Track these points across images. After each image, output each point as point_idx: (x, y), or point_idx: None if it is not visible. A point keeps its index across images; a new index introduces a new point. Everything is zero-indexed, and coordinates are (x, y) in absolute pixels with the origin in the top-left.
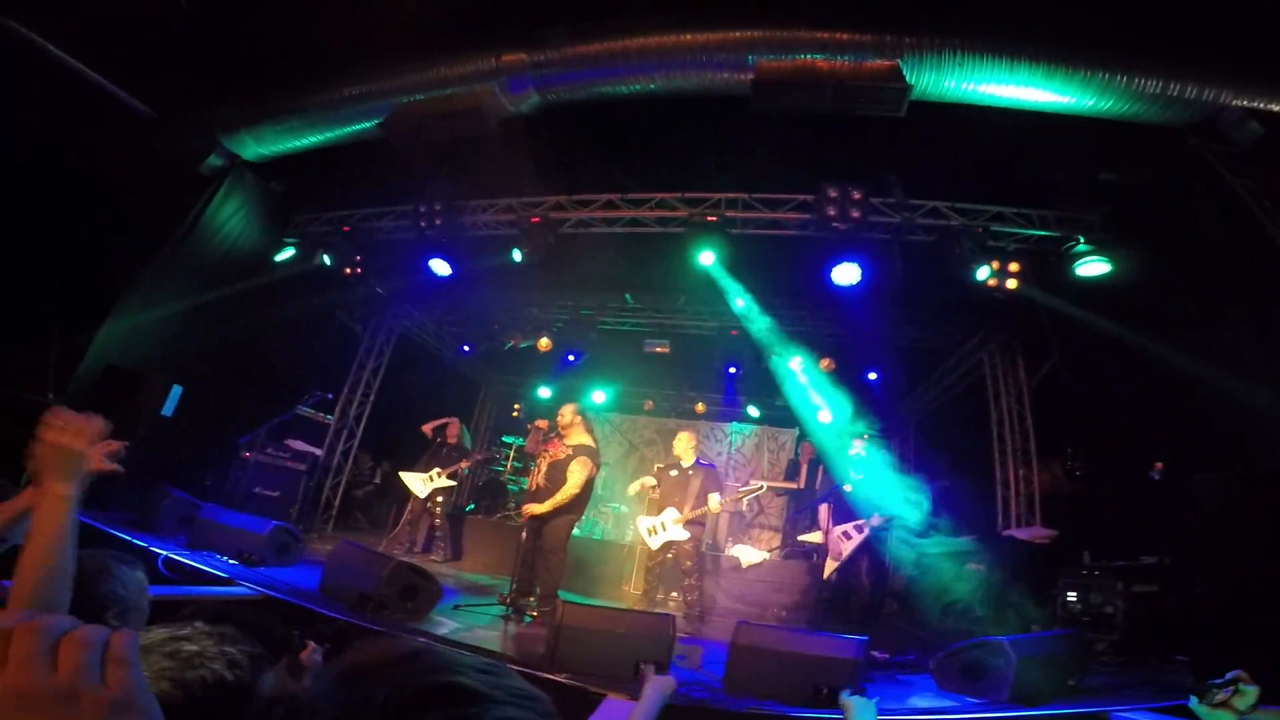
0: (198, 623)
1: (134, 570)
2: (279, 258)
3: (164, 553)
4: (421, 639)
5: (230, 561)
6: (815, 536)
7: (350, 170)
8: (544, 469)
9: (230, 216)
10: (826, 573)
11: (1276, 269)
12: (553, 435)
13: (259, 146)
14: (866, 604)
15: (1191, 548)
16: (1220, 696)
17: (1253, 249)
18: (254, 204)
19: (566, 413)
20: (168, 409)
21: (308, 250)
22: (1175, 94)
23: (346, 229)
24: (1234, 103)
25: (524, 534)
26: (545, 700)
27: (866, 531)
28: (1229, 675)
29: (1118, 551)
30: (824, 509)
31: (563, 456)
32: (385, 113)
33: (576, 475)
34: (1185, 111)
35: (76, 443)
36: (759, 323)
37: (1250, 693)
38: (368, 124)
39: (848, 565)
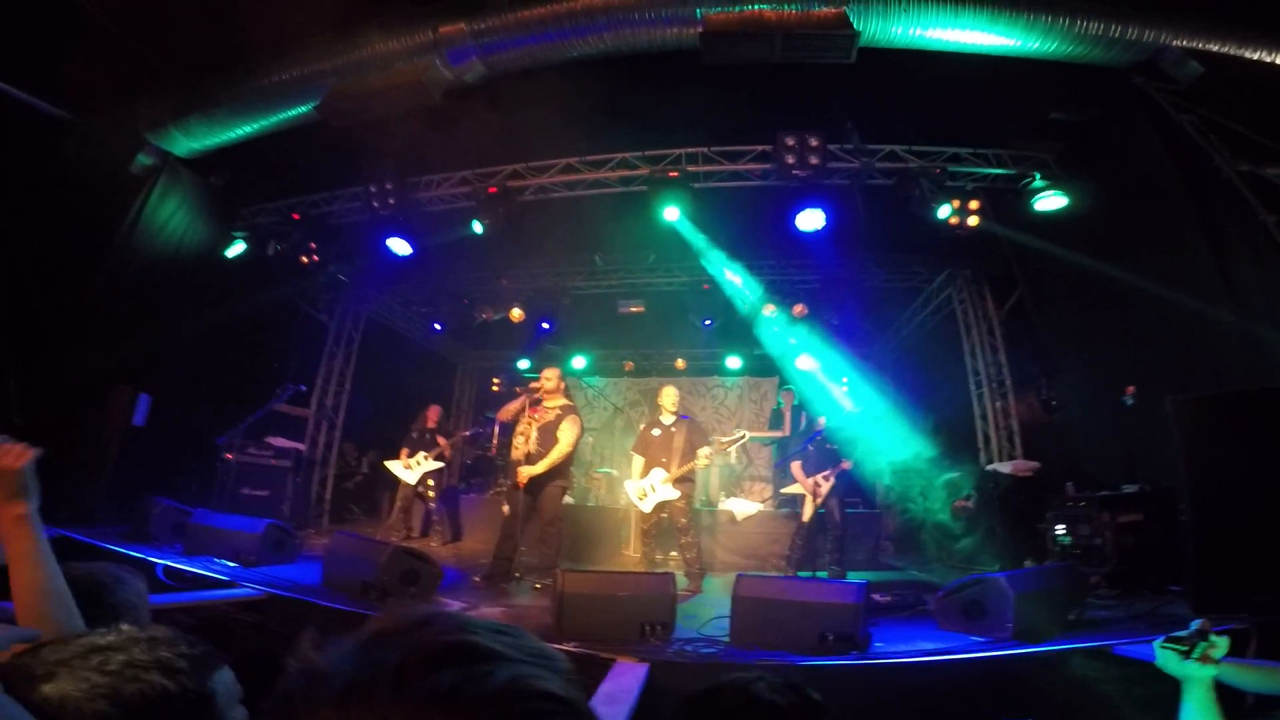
0: (124, 626)
1: (136, 580)
2: (229, 253)
3: (162, 561)
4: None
5: (229, 564)
6: (796, 488)
7: (294, 155)
8: (533, 435)
9: (171, 215)
10: (806, 515)
11: (1226, 196)
12: (534, 403)
13: (189, 141)
14: (839, 535)
15: (1170, 473)
16: (1201, 650)
17: (1202, 177)
18: (194, 200)
19: (552, 377)
20: (139, 419)
21: (259, 242)
22: (1116, 35)
23: (296, 216)
24: (1173, 43)
25: (505, 506)
26: (561, 659)
27: (833, 479)
28: (1193, 626)
29: (1100, 481)
30: (796, 465)
31: (552, 418)
32: (321, 95)
33: (568, 434)
34: (1127, 52)
35: (11, 462)
36: (735, 273)
37: (1222, 643)
38: (304, 108)
39: (822, 507)
